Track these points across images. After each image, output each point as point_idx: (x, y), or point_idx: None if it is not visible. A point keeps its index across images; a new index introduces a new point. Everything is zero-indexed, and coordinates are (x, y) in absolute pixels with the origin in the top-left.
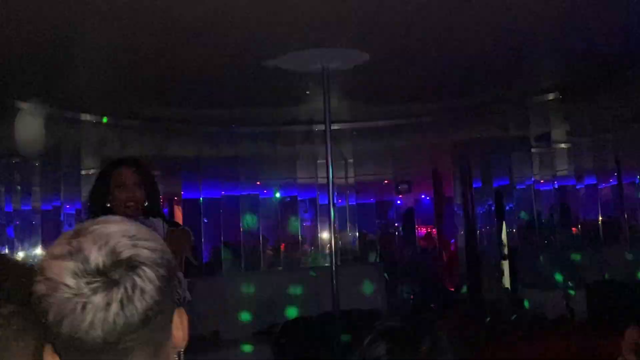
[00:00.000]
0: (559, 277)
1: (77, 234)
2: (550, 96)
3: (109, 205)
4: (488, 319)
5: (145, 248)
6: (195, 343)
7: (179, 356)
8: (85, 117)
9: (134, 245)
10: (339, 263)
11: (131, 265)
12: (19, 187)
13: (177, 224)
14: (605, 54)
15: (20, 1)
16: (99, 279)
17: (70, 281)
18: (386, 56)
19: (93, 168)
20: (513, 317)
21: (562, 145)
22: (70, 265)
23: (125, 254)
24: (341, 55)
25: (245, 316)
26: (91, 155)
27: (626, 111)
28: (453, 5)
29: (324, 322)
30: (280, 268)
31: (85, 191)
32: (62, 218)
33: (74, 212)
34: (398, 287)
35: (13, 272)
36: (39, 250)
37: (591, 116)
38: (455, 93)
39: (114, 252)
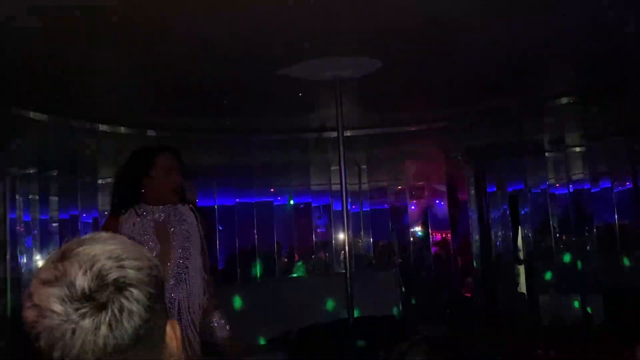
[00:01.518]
0: (575, 281)
1: (63, 257)
2: (564, 100)
3: (143, 190)
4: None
5: (131, 268)
6: (211, 349)
7: None
8: (103, 127)
9: (120, 267)
10: (353, 269)
11: (118, 287)
12: (36, 197)
13: (204, 215)
14: (619, 58)
15: (39, 13)
16: (86, 304)
17: (58, 308)
18: (398, 63)
19: (110, 177)
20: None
21: (577, 149)
22: (57, 291)
23: (111, 276)
24: (353, 63)
25: (261, 322)
26: (108, 165)
27: None
28: (465, 11)
29: (339, 329)
30: (295, 275)
31: (102, 200)
32: (79, 227)
33: (90, 220)
34: (412, 293)
35: None
36: None
37: (606, 120)
38: (469, 99)
39: (99, 276)
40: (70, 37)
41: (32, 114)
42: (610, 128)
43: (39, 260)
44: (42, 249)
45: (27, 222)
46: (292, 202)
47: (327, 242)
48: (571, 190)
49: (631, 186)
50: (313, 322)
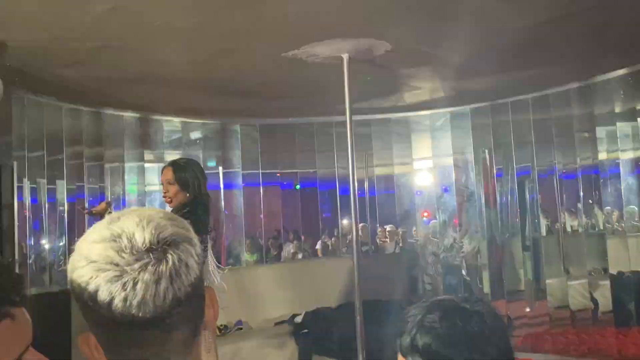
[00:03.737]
0: (582, 267)
1: (114, 220)
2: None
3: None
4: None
5: (182, 228)
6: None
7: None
8: (109, 111)
9: (173, 225)
10: (360, 253)
11: (174, 242)
12: (43, 180)
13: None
14: (624, 45)
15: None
16: (146, 256)
17: (119, 260)
18: (408, 46)
19: (116, 162)
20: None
21: (585, 134)
22: (116, 245)
23: (168, 231)
24: (362, 45)
25: (267, 306)
26: (115, 149)
27: None
28: None
29: (345, 312)
30: (300, 258)
31: (109, 184)
32: None
33: (98, 204)
34: (419, 278)
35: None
36: (63, 243)
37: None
38: (478, 80)
39: (157, 231)
40: (80, 18)
41: (39, 98)
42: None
43: (46, 244)
44: (49, 232)
45: (34, 206)
46: (298, 186)
47: (333, 226)
48: (579, 175)
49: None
50: (319, 306)
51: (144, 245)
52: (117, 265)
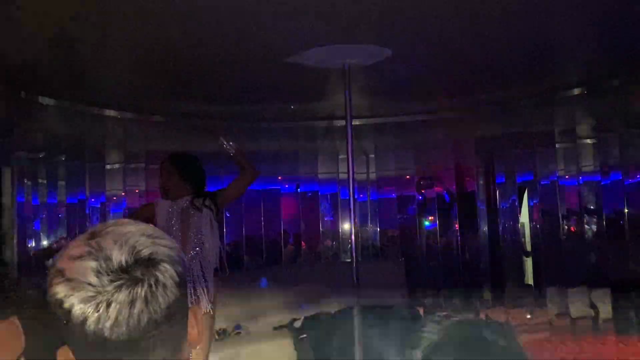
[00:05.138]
0: (582, 274)
1: (94, 235)
2: (576, 91)
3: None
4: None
5: (164, 246)
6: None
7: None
8: (110, 112)
9: (153, 243)
10: (360, 258)
11: (152, 262)
12: (45, 181)
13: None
14: (630, 49)
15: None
16: (122, 277)
17: (94, 280)
18: (408, 52)
19: (117, 162)
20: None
21: (588, 141)
22: (93, 264)
23: (146, 251)
24: (363, 51)
25: (266, 310)
26: (116, 150)
27: None
28: (476, 0)
29: (345, 317)
30: (301, 262)
31: (110, 185)
32: (87, 211)
33: (98, 205)
34: (419, 283)
35: None
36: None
37: (617, 111)
38: (479, 88)
39: (134, 250)
40: (78, 22)
41: (40, 99)
42: (622, 120)
43: (46, 245)
44: (49, 233)
45: (35, 206)
46: (299, 190)
47: (334, 231)
48: (581, 182)
49: None
50: (319, 311)
51: (120, 265)
52: (91, 285)
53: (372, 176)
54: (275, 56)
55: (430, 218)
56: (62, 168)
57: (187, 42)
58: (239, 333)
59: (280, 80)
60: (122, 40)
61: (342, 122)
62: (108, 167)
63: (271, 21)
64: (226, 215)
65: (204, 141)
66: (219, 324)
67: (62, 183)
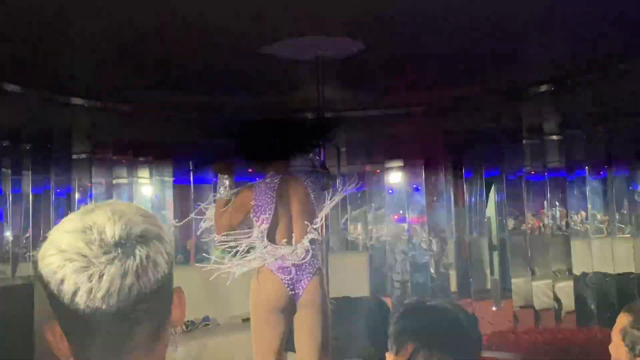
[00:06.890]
0: (546, 267)
1: (88, 212)
2: (543, 88)
3: None
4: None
5: (155, 225)
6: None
7: (176, 336)
8: (77, 101)
9: (146, 222)
10: (328, 252)
11: (144, 239)
12: (8, 171)
13: None
14: (598, 46)
15: None
16: (114, 251)
17: (87, 251)
18: (379, 46)
19: (84, 152)
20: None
21: (554, 137)
22: (86, 236)
23: (139, 228)
24: (335, 44)
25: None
26: (82, 140)
27: (619, 104)
28: None
29: None
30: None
31: (77, 176)
32: (53, 202)
33: (64, 196)
34: (387, 276)
35: None
36: (28, 234)
37: (583, 108)
38: (448, 83)
39: (127, 226)
40: (45, 7)
41: (5, 86)
42: (588, 117)
43: (10, 236)
44: (13, 223)
45: None
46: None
47: None
48: (547, 177)
49: (605, 175)
50: None
51: (113, 239)
52: (85, 256)
53: (343, 170)
54: (246, 47)
55: (399, 212)
56: (26, 157)
57: (156, 30)
58: (208, 324)
59: (251, 72)
60: (89, 27)
61: (314, 115)
62: (74, 157)
63: (243, 11)
64: (196, 206)
65: (172, 132)
66: (187, 316)
67: (26, 173)
